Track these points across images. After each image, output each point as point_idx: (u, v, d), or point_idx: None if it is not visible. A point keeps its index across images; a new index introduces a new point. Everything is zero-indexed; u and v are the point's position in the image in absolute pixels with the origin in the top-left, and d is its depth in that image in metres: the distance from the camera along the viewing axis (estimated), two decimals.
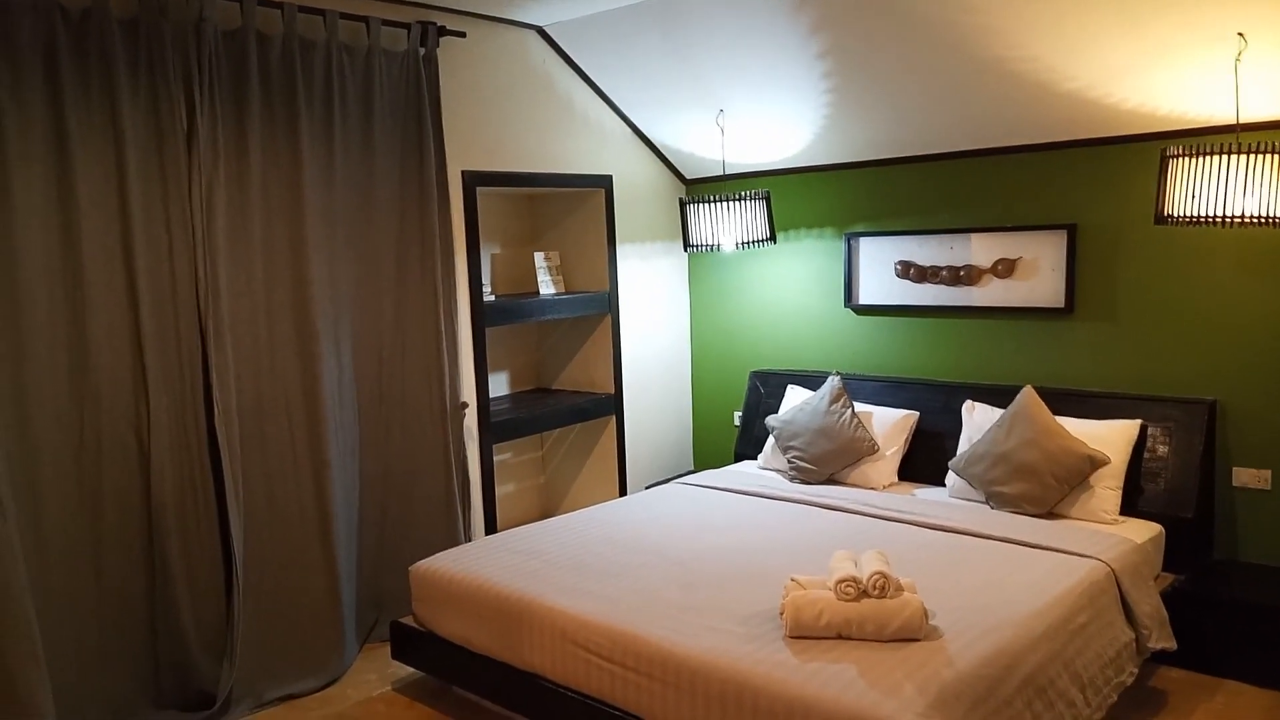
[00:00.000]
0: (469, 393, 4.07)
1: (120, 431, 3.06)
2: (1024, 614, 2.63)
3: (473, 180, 4.05)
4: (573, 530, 3.53)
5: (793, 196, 4.67)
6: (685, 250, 4.54)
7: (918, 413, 4.13)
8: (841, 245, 4.52)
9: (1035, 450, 3.50)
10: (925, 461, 4.07)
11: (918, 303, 4.31)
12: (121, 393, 3.06)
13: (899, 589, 2.56)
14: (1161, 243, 3.65)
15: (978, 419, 3.87)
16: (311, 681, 3.39)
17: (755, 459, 4.50)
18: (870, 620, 2.49)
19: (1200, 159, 3.02)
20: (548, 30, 4.29)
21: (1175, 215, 3.11)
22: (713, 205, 4.27)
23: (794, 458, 4.12)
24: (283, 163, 3.39)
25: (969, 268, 4.13)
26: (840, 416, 4.05)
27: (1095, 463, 3.45)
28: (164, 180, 3.11)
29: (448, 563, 3.25)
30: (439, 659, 3.22)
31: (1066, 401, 3.74)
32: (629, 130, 4.78)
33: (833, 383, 4.16)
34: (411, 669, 3.40)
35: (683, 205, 4.42)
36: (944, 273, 4.20)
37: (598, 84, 4.54)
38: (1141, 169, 3.62)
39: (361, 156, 3.61)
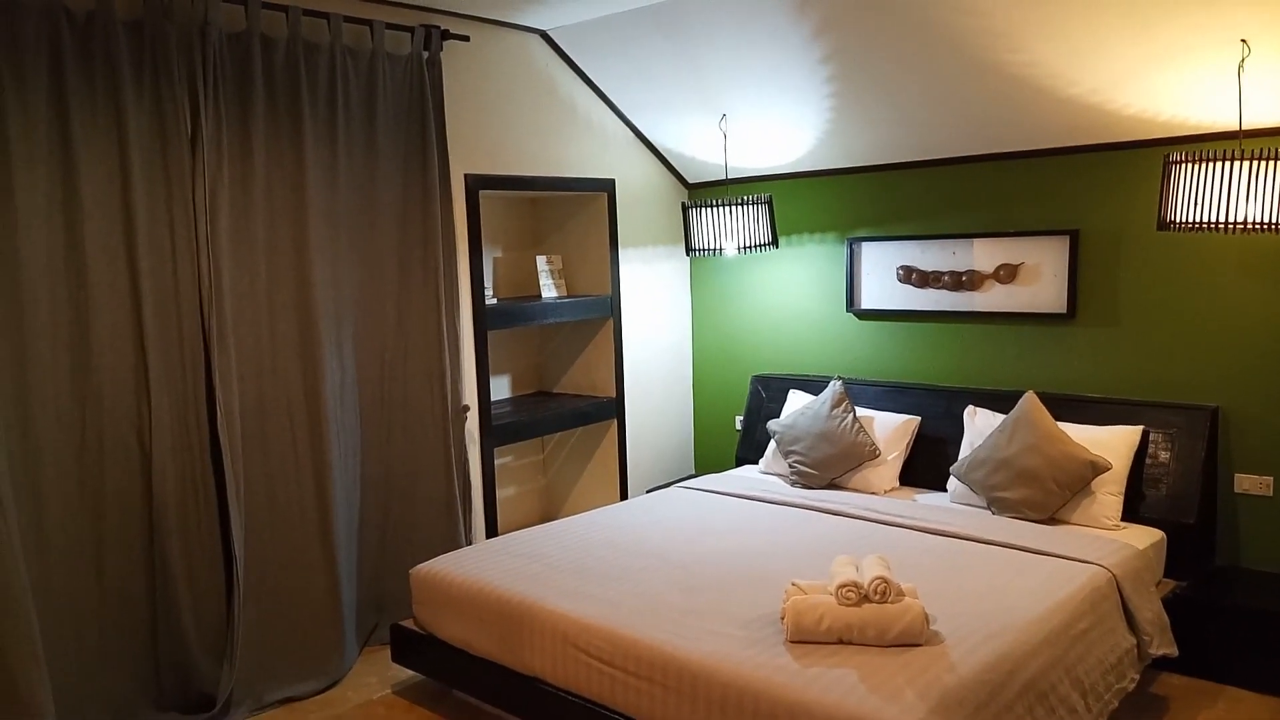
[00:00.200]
0: (470, 396, 4.07)
1: (122, 432, 3.06)
2: (1025, 620, 2.63)
3: (475, 183, 4.06)
4: (574, 534, 3.53)
5: (795, 201, 4.67)
6: (687, 254, 4.54)
7: (919, 418, 4.13)
8: (843, 250, 4.53)
9: (1037, 456, 3.50)
10: (927, 467, 4.07)
11: (920, 308, 4.31)
12: (124, 393, 3.06)
13: (900, 594, 2.55)
14: (1164, 249, 3.64)
15: (979, 424, 3.86)
16: (312, 684, 3.39)
17: (756, 463, 4.50)
18: (871, 625, 2.49)
19: (1203, 165, 3.02)
20: (551, 34, 4.29)
21: (1178, 221, 3.10)
22: (715, 209, 4.28)
23: (795, 462, 4.12)
24: (286, 165, 3.39)
25: (971, 273, 4.13)
26: (842, 421, 4.05)
27: (1097, 468, 3.45)
28: (168, 182, 3.12)
29: (448, 566, 3.25)
30: (439, 662, 3.22)
31: (1068, 407, 3.74)
32: (631, 134, 4.78)
33: (834, 387, 4.16)
34: (412, 672, 3.40)
35: (685, 209, 4.43)
36: (946, 278, 4.20)
37: (600, 88, 4.55)
38: (1144, 175, 3.62)
39: (365, 159, 3.62)
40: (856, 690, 2.27)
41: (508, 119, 4.21)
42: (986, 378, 4.15)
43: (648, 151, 4.89)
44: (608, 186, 4.66)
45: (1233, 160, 2.97)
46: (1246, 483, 3.55)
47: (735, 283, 5.00)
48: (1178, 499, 3.47)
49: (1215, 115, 3.37)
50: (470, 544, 3.89)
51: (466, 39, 3.92)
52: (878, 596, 2.52)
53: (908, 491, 4.02)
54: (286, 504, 3.44)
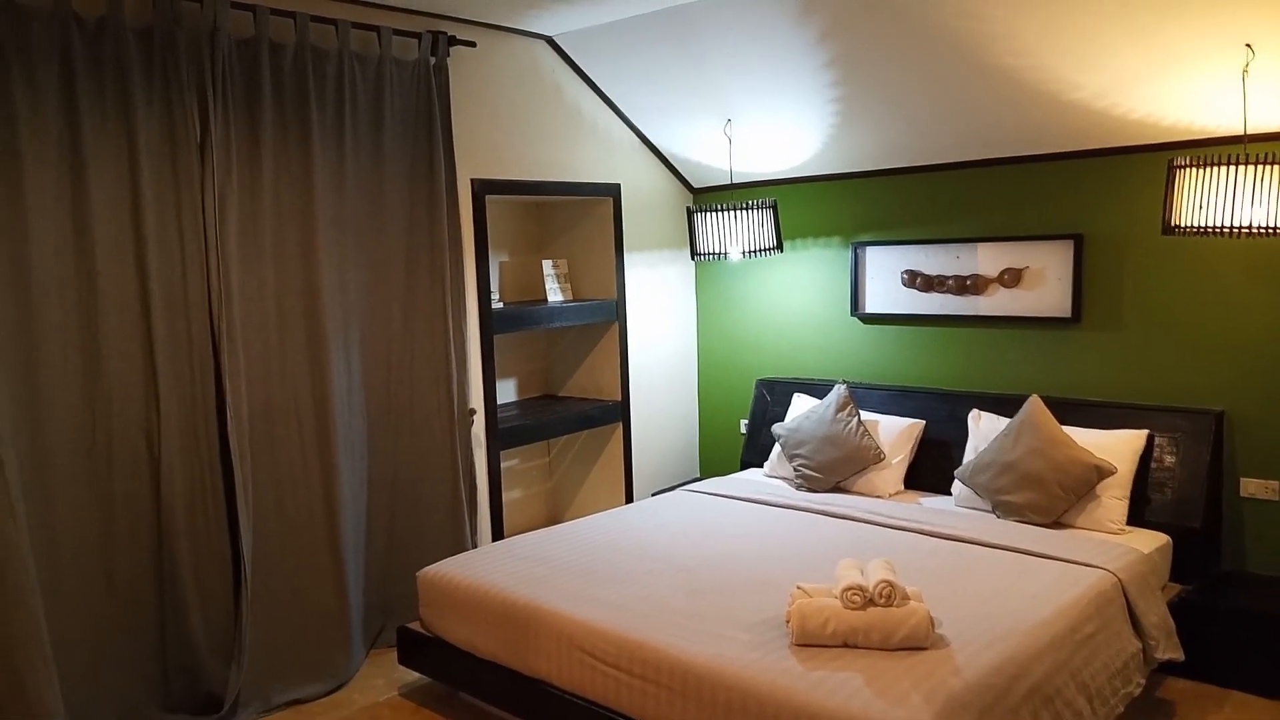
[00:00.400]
0: (477, 399, 4.08)
1: (131, 435, 3.08)
2: (1031, 623, 2.63)
3: (482, 188, 4.08)
4: (579, 537, 3.54)
5: (799, 205, 4.68)
6: (692, 258, 4.55)
7: (924, 421, 4.13)
8: (848, 254, 4.53)
9: (1042, 460, 3.50)
10: (931, 470, 4.07)
11: (924, 312, 4.31)
12: (133, 397, 3.08)
13: (905, 598, 2.56)
14: (1168, 253, 3.65)
15: (984, 428, 3.87)
16: (319, 686, 3.40)
17: (761, 467, 4.50)
18: (876, 629, 2.49)
19: (1207, 169, 3.02)
20: (557, 40, 4.31)
21: (1182, 225, 3.11)
22: (720, 214, 4.29)
23: (800, 466, 4.13)
24: (294, 170, 3.41)
25: (975, 277, 4.14)
26: (846, 425, 4.06)
27: (1102, 472, 3.45)
28: (177, 187, 3.14)
29: (455, 568, 3.26)
30: (446, 664, 3.23)
31: (1073, 411, 3.74)
32: (637, 139, 4.80)
33: (839, 391, 4.17)
34: (418, 674, 3.41)
35: (690, 214, 4.44)
36: (950, 282, 4.21)
37: (606, 93, 4.57)
38: (1148, 179, 3.63)
39: (372, 164, 3.64)
40: (862, 694, 2.28)
41: (514, 124, 4.22)
42: (991, 382, 4.15)
43: (653, 156, 4.90)
44: (613, 191, 4.67)
45: (1237, 164, 2.97)
46: (1252, 487, 3.55)
47: (740, 287, 5.01)
48: (1183, 503, 3.47)
49: (1220, 120, 3.37)
50: (476, 547, 3.90)
51: (473, 45, 3.94)
52: (883, 600, 2.53)
53: (912, 495, 4.03)
54: (294, 507, 3.46)
